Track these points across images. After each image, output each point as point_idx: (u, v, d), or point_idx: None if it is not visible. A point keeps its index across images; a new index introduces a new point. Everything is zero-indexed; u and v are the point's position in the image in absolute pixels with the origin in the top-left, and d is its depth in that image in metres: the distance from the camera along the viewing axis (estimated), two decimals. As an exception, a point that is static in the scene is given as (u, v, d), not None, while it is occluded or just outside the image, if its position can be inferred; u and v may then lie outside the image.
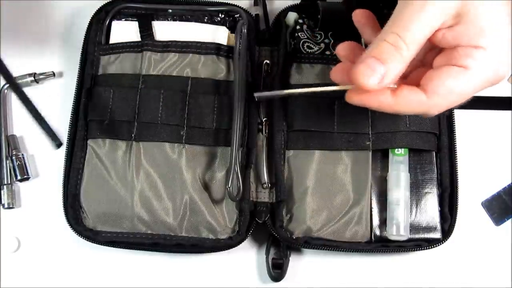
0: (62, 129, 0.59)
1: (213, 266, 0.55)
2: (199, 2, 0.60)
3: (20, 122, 0.60)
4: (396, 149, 0.54)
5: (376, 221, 0.54)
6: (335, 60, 0.55)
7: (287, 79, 0.57)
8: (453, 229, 0.53)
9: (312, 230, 0.52)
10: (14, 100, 0.61)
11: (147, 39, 0.57)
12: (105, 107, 0.55)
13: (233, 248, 0.53)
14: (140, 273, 0.55)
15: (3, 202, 0.57)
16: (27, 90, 0.61)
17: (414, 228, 0.53)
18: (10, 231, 0.56)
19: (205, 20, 0.59)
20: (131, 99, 0.55)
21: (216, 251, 0.53)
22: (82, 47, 0.59)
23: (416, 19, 0.37)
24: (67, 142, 0.56)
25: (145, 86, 0.56)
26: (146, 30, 0.58)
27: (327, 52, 0.57)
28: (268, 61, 0.58)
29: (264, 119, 0.56)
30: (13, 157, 0.57)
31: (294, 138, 0.55)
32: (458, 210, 0.53)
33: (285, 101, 0.55)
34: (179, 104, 0.55)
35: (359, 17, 0.45)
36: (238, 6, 0.59)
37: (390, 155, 0.55)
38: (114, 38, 0.58)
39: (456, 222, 0.53)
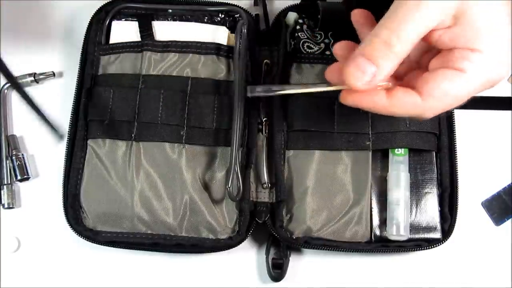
0: (62, 129, 0.58)
1: (213, 266, 0.55)
2: (199, 2, 0.60)
3: (20, 122, 0.60)
4: (396, 149, 0.54)
5: (376, 221, 0.54)
6: (335, 60, 0.55)
7: (287, 79, 0.57)
8: (453, 229, 0.53)
9: (312, 230, 0.52)
10: (14, 100, 0.61)
11: (147, 39, 0.57)
12: (105, 107, 0.55)
13: (233, 248, 0.53)
14: (140, 273, 0.55)
15: (3, 202, 0.57)
16: (27, 90, 0.60)
17: (414, 228, 0.53)
18: (10, 231, 0.56)
19: (205, 20, 0.59)
20: (131, 99, 0.55)
21: (216, 251, 0.53)
22: (82, 47, 0.59)
23: (410, 18, 0.36)
24: (67, 142, 0.56)
25: (145, 86, 0.55)
26: (146, 30, 0.58)
27: (327, 52, 0.57)
28: (268, 61, 0.58)
29: (264, 119, 0.56)
30: (13, 157, 0.57)
31: (294, 138, 0.55)
32: (458, 210, 0.53)
33: (285, 101, 0.55)
34: (179, 104, 0.55)
35: (358, 17, 0.45)
36: (238, 6, 0.59)
37: (390, 155, 0.55)
38: (114, 38, 0.58)
39: (456, 222, 0.53)
